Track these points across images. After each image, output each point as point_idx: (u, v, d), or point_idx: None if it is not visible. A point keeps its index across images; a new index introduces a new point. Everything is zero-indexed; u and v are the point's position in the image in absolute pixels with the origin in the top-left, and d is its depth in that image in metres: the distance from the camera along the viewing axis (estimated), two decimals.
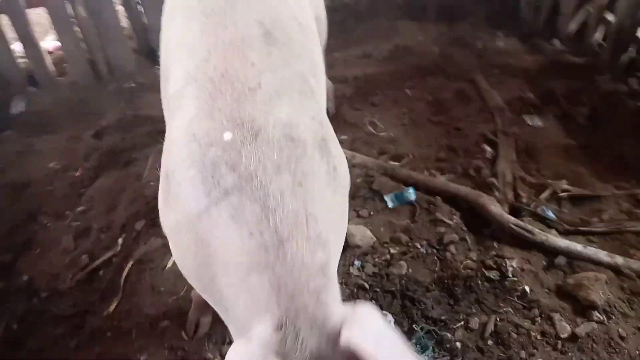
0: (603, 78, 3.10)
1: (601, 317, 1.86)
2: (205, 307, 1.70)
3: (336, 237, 1.14)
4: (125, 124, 2.88)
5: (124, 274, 2.09)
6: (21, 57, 3.17)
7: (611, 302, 1.89)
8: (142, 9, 3.25)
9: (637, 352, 1.78)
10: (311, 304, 0.94)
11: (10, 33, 3.08)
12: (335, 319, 0.94)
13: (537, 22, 3.65)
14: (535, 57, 3.38)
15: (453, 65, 3.26)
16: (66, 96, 3.13)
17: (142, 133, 2.78)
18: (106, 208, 2.38)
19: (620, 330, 1.81)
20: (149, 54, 3.36)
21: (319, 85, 1.38)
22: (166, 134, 1.23)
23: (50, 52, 3.25)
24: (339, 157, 1.21)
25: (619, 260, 2.02)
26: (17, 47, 3.16)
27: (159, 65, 3.42)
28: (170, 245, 1.17)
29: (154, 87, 3.13)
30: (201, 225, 1.02)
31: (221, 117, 1.08)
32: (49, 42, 3.30)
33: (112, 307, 1.99)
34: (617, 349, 1.77)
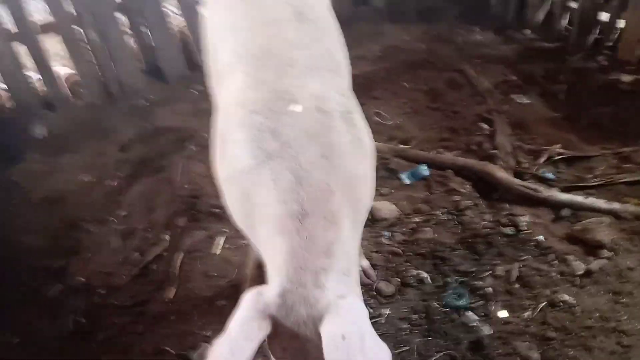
0: (574, 58, 3.44)
1: (609, 254, 2.12)
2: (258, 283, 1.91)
3: (358, 205, 1.25)
4: (147, 137, 3.06)
5: (177, 264, 2.26)
6: (37, 82, 3.32)
7: (615, 241, 2.16)
8: (148, 31, 3.45)
9: None
10: (309, 283, 1.01)
11: (25, 60, 3.24)
12: (324, 304, 0.99)
13: (508, 15, 3.99)
14: (511, 46, 3.71)
15: (440, 58, 3.56)
16: (83, 117, 3.29)
17: (165, 142, 2.97)
18: (146, 210, 2.55)
19: (627, 262, 2.08)
20: (157, 72, 3.55)
21: (344, 60, 1.58)
22: (218, 103, 1.44)
23: (63, 76, 3.40)
24: (363, 128, 1.37)
25: (616, 206, 2.30)
26: (32, 73, 3.30)
27: (166, 82, 3.62)
28: (223, 194, 1.35)
29: (165, 102, 3.37)
30: (247, 182, 1.20)
31: (264, 89, 1.29)
32: (61, 67, 3.45)
33: (171, 294, 2.16)
34: (627, 279, 2.04)
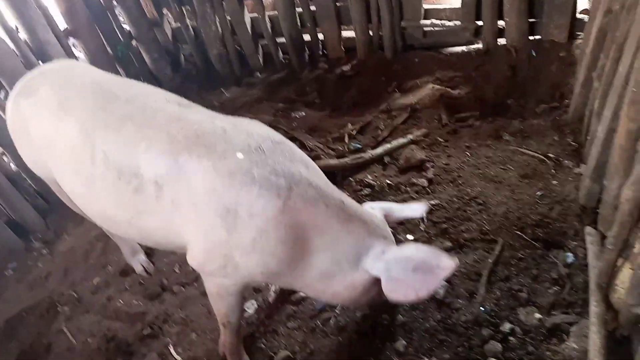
0: (305, 74, 4.33)
1: (431, 163, 2.93)
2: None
3: None
4: (10, 328, 2.69)
5: None
6: None
7: (428, 154, 2.99)
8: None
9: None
10: None
11: None
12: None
13: (235, 71, 4.69)
14: (258, 87, 4.36)
15: None
16: None
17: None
18: None
19: (443, 160, 2.91)
20: None
21: None
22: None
23: None
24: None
25: (410, 136, 3.15)
26: None
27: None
28: (257, 256, 1.62)
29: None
30: (287, 217, 1.55)
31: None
32: None
33: None
34: (444, 169, 2.85)
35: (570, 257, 2.21)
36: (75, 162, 1.84)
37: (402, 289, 1.52)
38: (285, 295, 2.43)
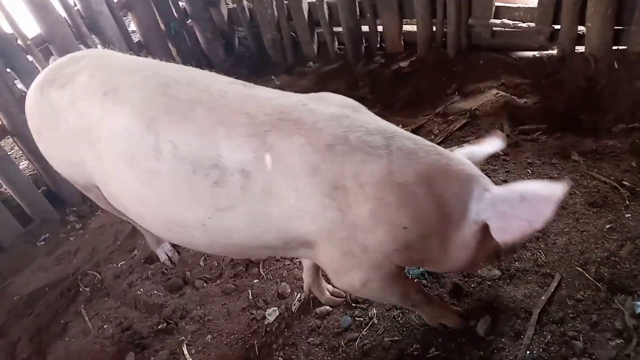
0: (359, 67, 4.09)
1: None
2: None
3: None
4: (19, 309, 2.66)
5: None
6: None
7: (485, 170, 2.70)
8: None
9: None
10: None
11: None
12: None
13: (287, 60, 4.53)
14: (308, 77, 4.22)
15: None
16: None
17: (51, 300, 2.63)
18: None
19: (507, 176, 2.63)
20: None
21: None
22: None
23: None
24: None
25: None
26: None
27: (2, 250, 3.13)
28: (382, 229, 1.45)
29: (13, 270, 2.91)
30: (396, 175, 1.42)
31: None
32: None
33: None
34: None
35: (639, 307, 1.90)
36: (131, 157, 1.58)
37: (513, 225, 1.42)
38: (311, 307, 2.25)
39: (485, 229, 1.49)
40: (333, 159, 1.41)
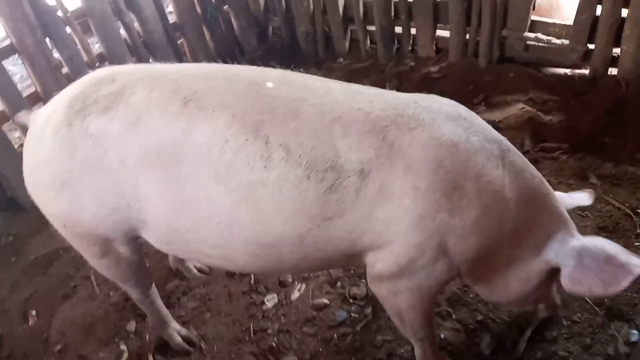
0: (388, 67, 4.11)
1: None
2: None
3: None
4: (32, 272, 2.80)
5: None
6: None
7: None
8: None
9: None
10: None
11: None
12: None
13: (319, 52, 4.57)
14: (336, 74, 4.23)
15: None
16: None
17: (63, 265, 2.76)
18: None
19: None
20: (12, 204, 3.23)
21: None
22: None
23: None
24: None
25: None
26: None
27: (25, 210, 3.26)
28: (474, 238, 1.40)
29: (32, 231, 3.03)
30: (507, 189, 1.38)
31: None
32: None
33: None
34: None
35: (635, 336, 1.89)
36: (226, 171, 1.35)
37: (589, 280, 1.37)
38: (309, 298, 2.29)
39: (552, 272, 1.48)
40: (458, 156, 1.33)
